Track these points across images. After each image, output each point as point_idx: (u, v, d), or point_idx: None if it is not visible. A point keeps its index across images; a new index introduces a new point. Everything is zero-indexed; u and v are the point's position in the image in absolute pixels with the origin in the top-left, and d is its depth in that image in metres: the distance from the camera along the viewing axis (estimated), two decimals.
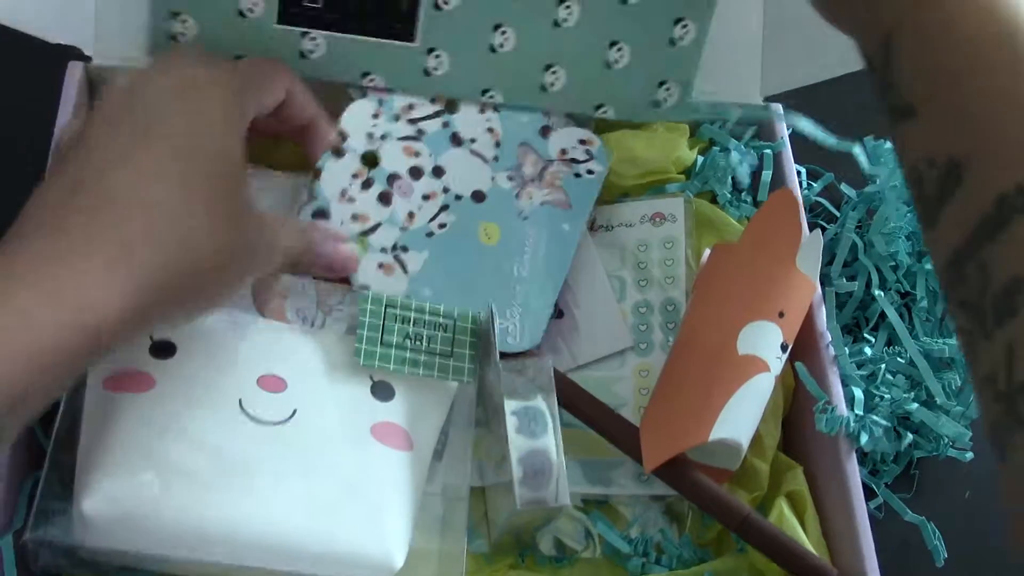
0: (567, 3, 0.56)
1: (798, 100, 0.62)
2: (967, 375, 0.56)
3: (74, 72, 0.54)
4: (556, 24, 0.56)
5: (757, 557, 0.49)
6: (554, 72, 0.57)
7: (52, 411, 0.46)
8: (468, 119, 0.56)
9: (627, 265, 0.57)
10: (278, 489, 0.43)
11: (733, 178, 0.59)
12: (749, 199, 0.60)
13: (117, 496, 0.41)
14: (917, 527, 0.53)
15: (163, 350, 0.45)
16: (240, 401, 0.44)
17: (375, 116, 0.55)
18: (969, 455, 0.52)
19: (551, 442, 0.47)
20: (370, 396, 0.47)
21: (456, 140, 0.55)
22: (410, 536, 0.45)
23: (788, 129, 0.60)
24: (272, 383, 0.46)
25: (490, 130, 0.56)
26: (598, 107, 0.58)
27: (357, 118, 0.55)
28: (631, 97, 0.58)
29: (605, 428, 0.51)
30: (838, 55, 0.60)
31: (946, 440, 0.54)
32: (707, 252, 0.55)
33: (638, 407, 0.54)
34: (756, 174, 0.61)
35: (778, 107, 0.61)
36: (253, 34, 0.53)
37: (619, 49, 0.57)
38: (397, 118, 0.55)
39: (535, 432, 0.47)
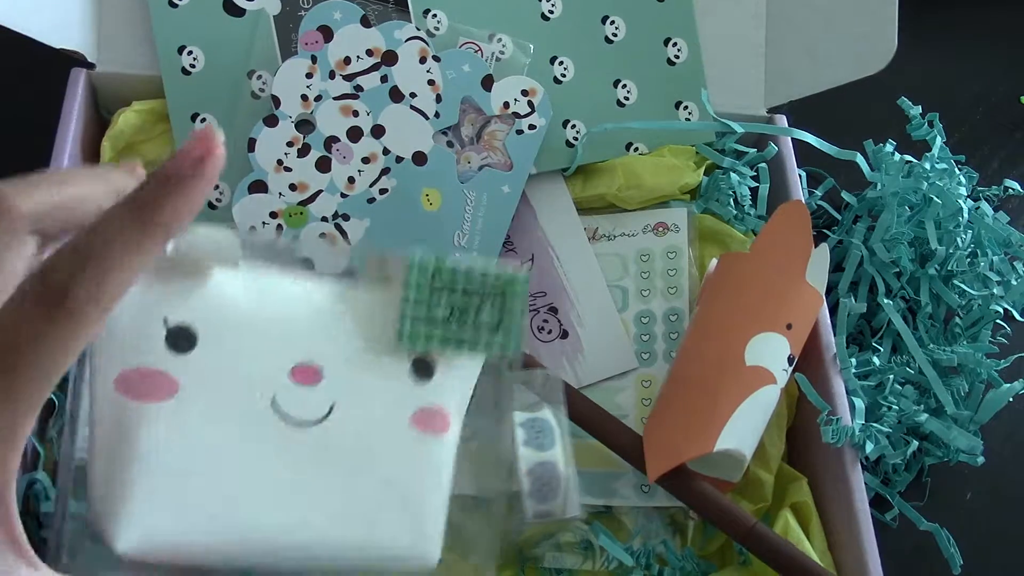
0: (560, 60, 0.57)
1: (801, 109, 0.62)
2: (974, 380, 0.55)
3: (77, 79, 0.54)
4: (557, 81, 0.57)
5: (761, 569, 0.48)
6: (573, 126, 0.57)
7: (45, 414, 0.45)
8: (407, 70, 0.54)
9: (629, 274, 0.57)
10: (315, 493, 0.40)
11: (735, 198, 0.59)
12: (753, 211, 0.60)
13: (154, 527, 0.37)
14: (931, 534, 0.52)
15: (182, 340, 0.39)
16: (273, 399, 0.39)
17: (308, 75, 0.53)
18: (980, 460, 0.52)
19: (559, 453, 0.47)
20: (410, 377, 0.42)
21: (396, 95, 0.54)
22: (445, 524, 0.42)
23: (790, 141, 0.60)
24: (307, 374, 0.40)
25: (431, 82, 0.54)
26: (628, 145, 0.59)
27: (289, 79, 0.53)
28: (655, 127, 0.59)
29: (607, 437, 0.50)
30: (840, 64, 0.60)
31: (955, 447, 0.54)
32: (712, 262, 0.55)
33: (640, 418, 0.54)
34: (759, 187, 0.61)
35: (782, 118, 0.61)
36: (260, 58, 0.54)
37: (624, 86, 0.58)
38: (332, 75, 0.53)
39: (543, 444, 0.46)
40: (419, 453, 0.42)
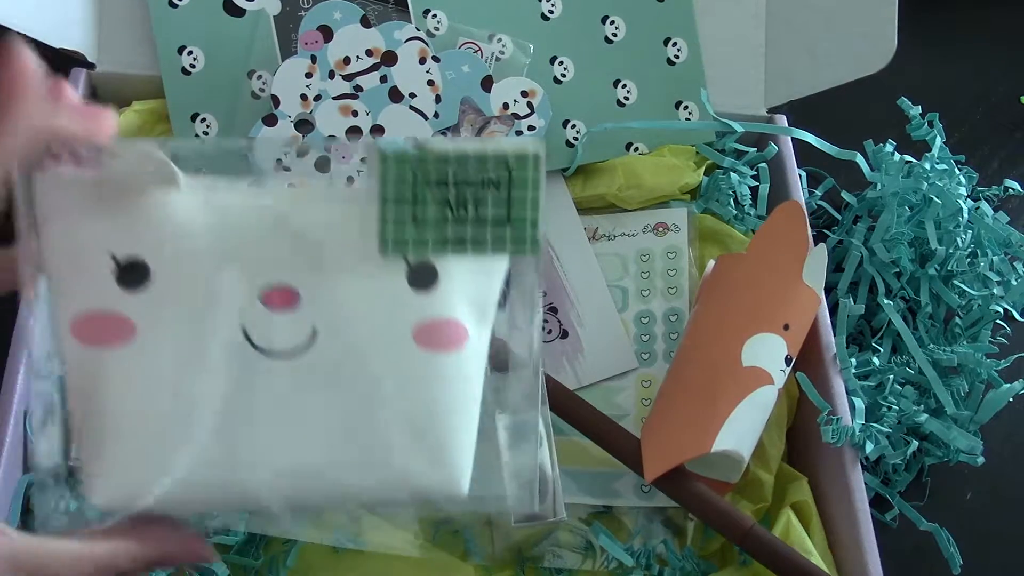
0: (560, 60, 0.57)
1: (801, 109, 0.62)
2: (974, 380, 0.55)
3: (77, 79, 0.54)
4: (557, 81, 0.57)
5: (761, 569, 0.48)
6: (573, 126, 0.57)
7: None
8: (407, 71, 0.54)
9: (629, 274, 0.57)
10: (312, 427, 0.36)
11: (736, 198, 0.59)
12: (753, 211, 0.60)
13: (129, 480, 0.34)
14: (931, 534, 0.52)
15: (132, 275, 0.35)
16: (244, 331, 0.35)
17: (308, 75, 0.54)
18: (980, 460, 0.52)
19: (545, 456, 0.46)
20: (408, 288, 0.36)
21: (395, 95, 0.54)
22: (474, 448, 0.37)
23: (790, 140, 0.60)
24: (280, 298, 0.36)
25: (430, 83, 0.55)
26: (628, 145, 0.59)
27: (289, 79, 0.53)
28: (655, 127, 0.59)
29: (604, 439, 0.50)
30: (839, 64, 0.60)
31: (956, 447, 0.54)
32: (711, 263, 0.55)
33: (640, 418, 0.54)
34: (759, 187, 0.61)
35: (782, 118, 0.61)
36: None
37: (624, 86, 0.58)
38: (332, 75, 0.54)
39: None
40: (429, 373, 0.36)
